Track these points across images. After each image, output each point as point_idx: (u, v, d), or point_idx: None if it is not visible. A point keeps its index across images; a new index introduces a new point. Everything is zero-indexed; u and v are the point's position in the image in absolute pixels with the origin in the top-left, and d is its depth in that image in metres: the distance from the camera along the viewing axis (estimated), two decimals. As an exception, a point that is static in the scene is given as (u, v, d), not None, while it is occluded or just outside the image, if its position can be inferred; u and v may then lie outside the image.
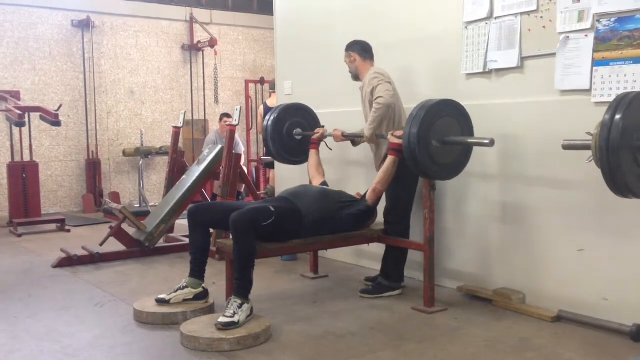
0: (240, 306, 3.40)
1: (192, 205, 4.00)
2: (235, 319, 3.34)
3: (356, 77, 4.40)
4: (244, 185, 6.71)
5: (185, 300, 3.79)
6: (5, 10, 8.64)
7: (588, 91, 3.48)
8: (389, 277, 4.23)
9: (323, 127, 4.79)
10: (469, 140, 3.75)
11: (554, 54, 3.64)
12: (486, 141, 3.61)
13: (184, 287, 3.82)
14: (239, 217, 3.51)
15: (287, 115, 4.85)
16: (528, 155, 3.83)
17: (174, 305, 3.76)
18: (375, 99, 4.06)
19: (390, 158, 3.97)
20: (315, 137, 4.66)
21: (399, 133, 3.86)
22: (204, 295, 3.85)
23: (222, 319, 3.34)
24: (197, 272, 3.85)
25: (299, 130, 4.84)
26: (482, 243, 4.15)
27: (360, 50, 4.32)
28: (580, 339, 3.32)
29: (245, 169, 7.89)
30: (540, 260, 3.78)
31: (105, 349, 3.29)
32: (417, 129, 3.55)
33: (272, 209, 3.69)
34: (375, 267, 4.64)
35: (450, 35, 4.26)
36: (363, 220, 4.11)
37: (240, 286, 3.49)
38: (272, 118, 4.80)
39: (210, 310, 3.80)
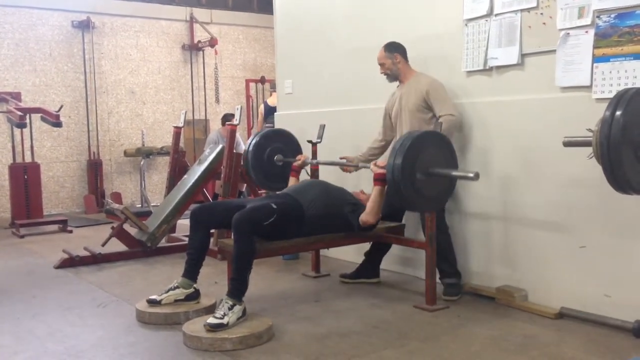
0: (231, 307, 3.39)
1: (195, 206, 4.00)
2: (225, 320, 3.33)
3: (396, 78, 4.33)
4: (245, 185, 6.72)
5: (176, 301, 3.79)
6: (6, 12, 8.65)
7: (589, 87, 3.47)
8: (446, 276, 4.17)
9: (320, 143, 4.77)
10: (454, 174, 3.64)
11: (554, 51, 3.63)
12: (471, 175, 3.49)
13: (175, 288, 3.82)
14: (241, 217, 3.52)
15: (268, 141, 4.79)
16: (529, 152, 3.82)
17: (176, 305, 3.77)
18: (447, 114, 3.98)
19: (376, 189, 3.85)
20: (296, 164, 4.57)
21: (382, 163, 3.80)
22: (195, 295, 3.85)
23: (211, 320, 3.33)
24: (191, 273, 3.84)
25: (280, 156, 4.78)
26: (484, 241, 4.14)
27: (404, 52, 4.29)
28: (583, 335, 3.32)
29: (246, 168, 7.89)
30: (543, 258, 3.78)
31: (109, 349, 3.30)
32: (402, 160, 3.46)
33: (274, 207, 3.69)
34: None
35: (451, 33, 4.26)
36: (360, 230, 4.04)
37: (235, 287, 3.48)
38: (253, 143, 4.76)
39: (213, 310, 3.80)
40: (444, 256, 4.06)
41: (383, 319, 3.70)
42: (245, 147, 4.85)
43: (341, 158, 4.58)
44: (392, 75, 4.33)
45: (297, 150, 4.89)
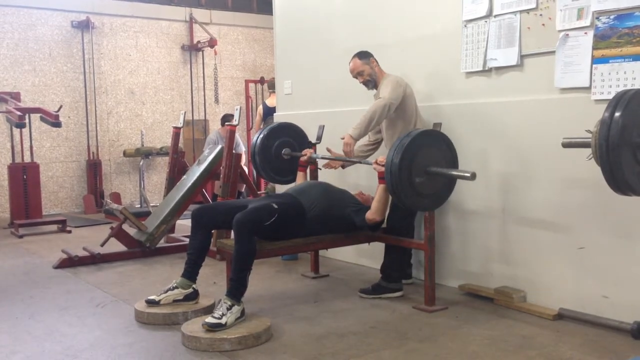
0: (229, 308, 3.39)
1: (196, 207, 3.99)
2: (223, 320, 3.33)
3: (375, 84, 4.31)
4: (244, 185, 6.72)
5: (175, 301, 3.79)
6: (5, 12, 8.64)
7: (588, 89, 3.48)
8: (388, 278, 4.21)
9: (319, 144, 4.71)
10: (451, 173, 3.64)
11: (553, 52, 3.64)
12: (467, 174, 3.49)
13: (173, 288, 3.82)
14: (242, 218, 3.52)
15: (276, 135, 4.74)
16: (528, 154, 3.82)
17: (174, 305, 3.76)
18: (379, 98, 4.03)
19: (381, 187, 3.85)
20: (302, 159, 4.54)
21: (383, 160, 3.75)
22: (194, 295, 3.85)
23: (209, 319, 3.34)
24: (190, 273, 3.84)
25: (287, 150, 4.73)
26: (483, 241, 4.15)
27: (374, 57, 4.30)
28: (581, 336, 3.32)
29: (245, 168, 7.89)
30: (541, 259, 3.78)
31: (107, 349, 3.30)
32: (400, 159, 3.47)
33: (275, 206, 3.69)
34: (376, 266, 4.64)
35: (450, 34, 4.26)
36: (365, 227, 4.04)
37: (234, 287, 3.48)
38: (260, 137, 4.71)
39: (212, 310, 3.79)
40: (398, 262, 4.19)
41: (381, 319, 3.70)
42: (253, 141, 4.78)
43: (328, 150, 4.56)
44: (372, 81, 4.30)
45: (305, 142, 4.83)
